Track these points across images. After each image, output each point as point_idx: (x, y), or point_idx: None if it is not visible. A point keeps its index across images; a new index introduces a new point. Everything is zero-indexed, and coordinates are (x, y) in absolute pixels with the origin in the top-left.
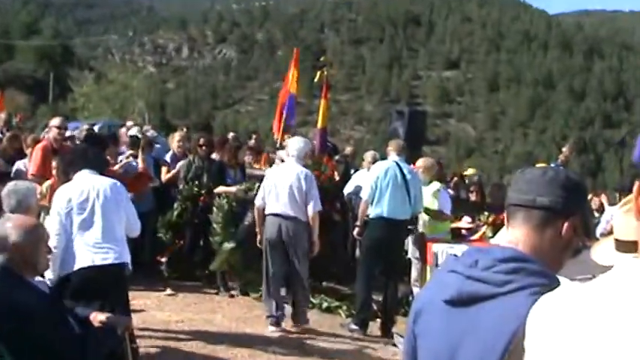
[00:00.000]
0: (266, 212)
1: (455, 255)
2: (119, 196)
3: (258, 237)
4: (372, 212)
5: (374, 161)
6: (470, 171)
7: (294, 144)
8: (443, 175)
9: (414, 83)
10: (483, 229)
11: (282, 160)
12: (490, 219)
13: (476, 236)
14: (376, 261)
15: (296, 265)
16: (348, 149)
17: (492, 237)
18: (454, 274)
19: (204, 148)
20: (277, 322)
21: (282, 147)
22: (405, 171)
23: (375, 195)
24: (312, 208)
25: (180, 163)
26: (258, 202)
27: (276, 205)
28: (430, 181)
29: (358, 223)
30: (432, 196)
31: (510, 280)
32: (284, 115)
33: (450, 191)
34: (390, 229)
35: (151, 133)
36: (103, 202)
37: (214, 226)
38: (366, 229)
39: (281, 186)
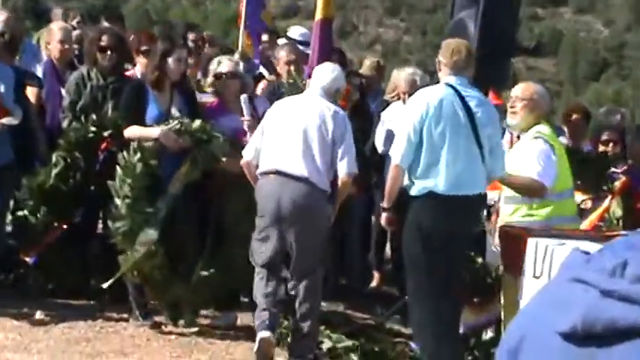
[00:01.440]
0: (259, 172)
1: (584, 252)
2: None
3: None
4: (415, 185)
5: (413, 87)
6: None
7: (323, 73)
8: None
9: None
10: (606, 202)
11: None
12: (617, 186)
13: (593, 216)
14: (435, 271)
15: (303, 269)
16: (367, 63)
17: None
18: (580, 287)
19: (109, 52)
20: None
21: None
22: (473, 104)
23: (420, 154)
24: (345, 169)
25: (70, 80)
26: (248, 154)
27: (278, 160)
28: (530, 125)
29: (385, 204)
30: (530, 151)
31: None
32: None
33: (564, 140)
34: (450, 215)
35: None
36: None
37: (116, 202)
38: (406, 216)
39: (292, 129)
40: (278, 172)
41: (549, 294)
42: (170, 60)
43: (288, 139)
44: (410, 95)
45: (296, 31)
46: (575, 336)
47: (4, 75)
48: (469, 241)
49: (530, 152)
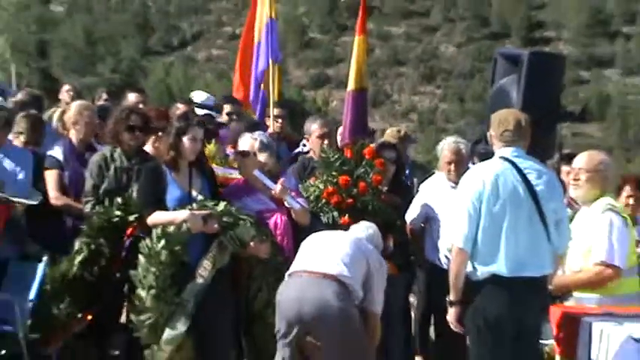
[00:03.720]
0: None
1: (636, 340)
2: None
3: None
4: (477, 270)
5: (459, 155)
6: None
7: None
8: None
9: (537, 0)
10: None
11: (243, 154)
12: None
13: None
14: None
15: None
16: (388, 132)
17: None
18: None
19: (137, 132)
20: None
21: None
22: (533, 177)
23: (479, 235)
24: (375, 304)
25: (91, 162)
26: None
27: (308, 261)
28: (596, 198)
29: (453, 297)
30: (601, 226)
31: None
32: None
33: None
34: (515, 300)
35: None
36: None
37: (140, 293)
38: (472, 305)
39: (330, 240)
40: (305, 271)
41: None
42: (185, 139)
43: (322, 247)
44: (455, 164)
45: (199, 96)
46: None
47: (25, 159)
48: (539, 333)
49: (602, 227)
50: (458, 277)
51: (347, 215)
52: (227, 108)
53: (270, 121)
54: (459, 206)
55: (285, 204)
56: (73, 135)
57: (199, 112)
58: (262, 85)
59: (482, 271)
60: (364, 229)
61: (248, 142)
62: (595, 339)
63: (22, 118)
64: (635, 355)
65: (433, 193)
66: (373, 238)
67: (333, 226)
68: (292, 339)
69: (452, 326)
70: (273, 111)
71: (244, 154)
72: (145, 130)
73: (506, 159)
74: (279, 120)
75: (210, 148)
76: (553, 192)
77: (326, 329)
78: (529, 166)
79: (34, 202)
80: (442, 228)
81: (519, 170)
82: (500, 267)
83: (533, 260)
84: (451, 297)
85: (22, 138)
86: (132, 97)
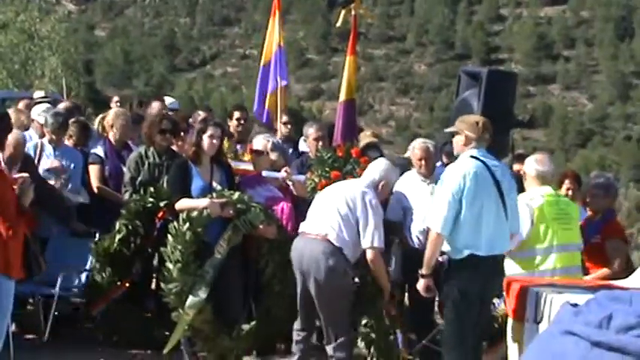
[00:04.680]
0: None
1: (573, 305)
2: None
3: None
4: (458, 250)
5: (427, 153)
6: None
7: (375, 167)
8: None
9: (494, 28)
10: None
11: (257, 152)
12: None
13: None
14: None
15: (331, 327)
16: (362, 135)
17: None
18: (571, 339)
19: (167, 134)
20: None
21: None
22: (498, 174)
23: (462, 220)
24: (368, 243)
25: (130, 158)
26: None
27: (306, 224)
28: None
29: (425, 270)
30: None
31: None
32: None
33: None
34: (486, 274)
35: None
36: None
37: (169, 266)
38: (452, 279)
39: (326, 204)
40: (304, 233)
41: (544, 346)
42: (204, 137)
43: (319, 210)
44: (425, 160)
45: (167, 100)
46: None
47: (77, 158)
48: (494, 295)
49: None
50: (433, 255)
51: None
52: (236, 114)
53: (279, 127)
54: (441, 198)
55: (292, 180)
56: (112, 136)
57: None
58: (267, 101)
59: (463, 252)
60: (381, 166)
61: (262, 142)
62: (540, 304)
63: (72, 123)
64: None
65: (407, 187)
66: (386, 178)
67: None
68: (301, 284)
69: (422, 293)
70: (282, 118)
71: (258, 153)
72: (173, 133)
73: (476, 158)
74: (288, 126)
75: (225, 145)
76: (511, 185)
77: (316, 281)
78: (494, 164)
79: (84, 201)
80: (415, 215)
81: (488, 167)
82: (479, 248)
83: (500, 241)
84: (424, 271)
85: (72, 140)
86: (155, 105)
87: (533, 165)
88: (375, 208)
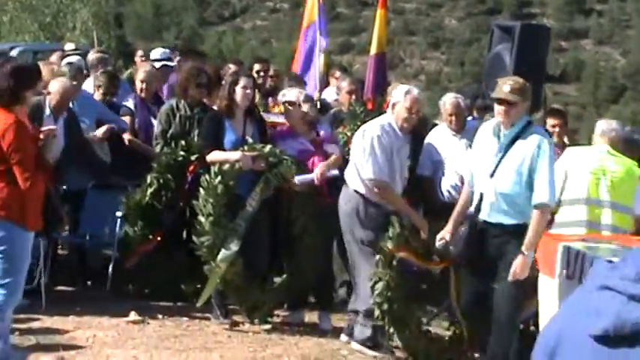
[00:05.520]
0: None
1: (609, 261)
2: None
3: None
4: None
5: (458, 108)
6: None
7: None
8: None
9: None
10: None
11: (290, 103)
12: None
13: None
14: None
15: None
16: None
17: None
18: (608, 294)
19: (203, 88)
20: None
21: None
22: None
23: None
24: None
25: (161, 111)
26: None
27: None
28: None
29: (528, 249)
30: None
31: None
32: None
33: None
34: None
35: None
36: None
37: (200, 220)
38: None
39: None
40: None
41: (581, 301)
42: (237, 88)
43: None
44: (455, 116)
45: (156, 52)
46: (606, 338)
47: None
48: None
49: None
50: (539, 235)
51: None
52: (256, 67)
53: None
54: (548, 171)
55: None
56: (142, 90)
57: (157, 64)
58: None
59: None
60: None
61: (294, 94)
62: (571, 260)
63: (101, 74)
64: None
65: (438, 141)
66: (393, 100)
67: None
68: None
69: (520, 273)
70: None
71: (291, 104)
72: (209, 87)
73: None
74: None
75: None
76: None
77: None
78: None
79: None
80: (447, 169)
81: None
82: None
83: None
84: (527, 250)
85: (101, 90)
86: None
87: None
88: (364, 141)
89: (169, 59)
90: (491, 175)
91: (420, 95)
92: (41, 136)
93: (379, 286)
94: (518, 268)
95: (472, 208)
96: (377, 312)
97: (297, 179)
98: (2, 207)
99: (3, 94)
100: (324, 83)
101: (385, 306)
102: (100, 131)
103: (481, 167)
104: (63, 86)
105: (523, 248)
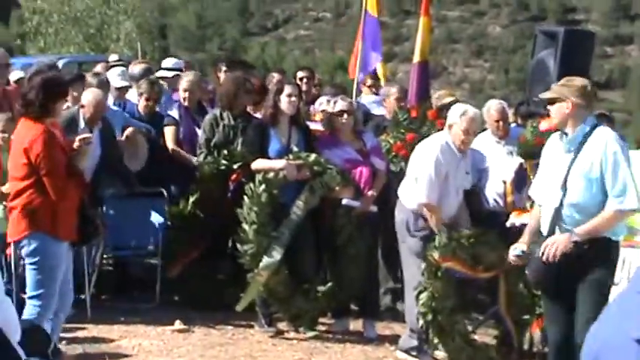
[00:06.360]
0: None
1: None
2: None
3: None
4: (618, 232)
5: (503, 114)
6: None
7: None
8: None
9: None
10: None
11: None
12: None
13: None
14: None
15: None
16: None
17: None
18: None
19: (252, 95)
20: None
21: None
22: None
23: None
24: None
25: (205, 120)
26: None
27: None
28: None
29: (582, 236)
30: None
31: None
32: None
33: None
34: None
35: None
36: None
37: (244, 228)
38: (607, 261)
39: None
40: None
41: (623, 305)
42: (282, 96)
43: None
44: (502, 122)
45: (169, 62)
46: None
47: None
48: None
49: None
50: (599, 232)
51: None
52: (300, 74)
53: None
54: (627, 173)
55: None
56: (185, 100)
57: (169, 73)
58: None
59: (619, 235)
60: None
61: (345, 103)
62: (618, 264)
63: (144, 82)
64: None
65: (482, 148)
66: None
67: (401, 174)
68: None
69: (561, 248)
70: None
71: (343, 113)
72: (256, 94)
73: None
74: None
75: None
76: None
77: None
78: None
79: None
80: (491, 176)
81: None
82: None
83: None
84: (580, 237)
85: (144, 96)
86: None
87: None
88: (422, 159)
89: (180, 70)
90: (562, 187)
91: (475, 115)
92: (75, 145)
93: (424, 296)
94: (558, 241)
95: (543, 228)
96: (421, 322)
97: (344, 202)
98: (33, 218)
99: (32, 106)
100: (358, 91)
101: (429, 316)
102: (126, 132)
103: (551, 181)
104: (96, 97)
105: (577, 229)
